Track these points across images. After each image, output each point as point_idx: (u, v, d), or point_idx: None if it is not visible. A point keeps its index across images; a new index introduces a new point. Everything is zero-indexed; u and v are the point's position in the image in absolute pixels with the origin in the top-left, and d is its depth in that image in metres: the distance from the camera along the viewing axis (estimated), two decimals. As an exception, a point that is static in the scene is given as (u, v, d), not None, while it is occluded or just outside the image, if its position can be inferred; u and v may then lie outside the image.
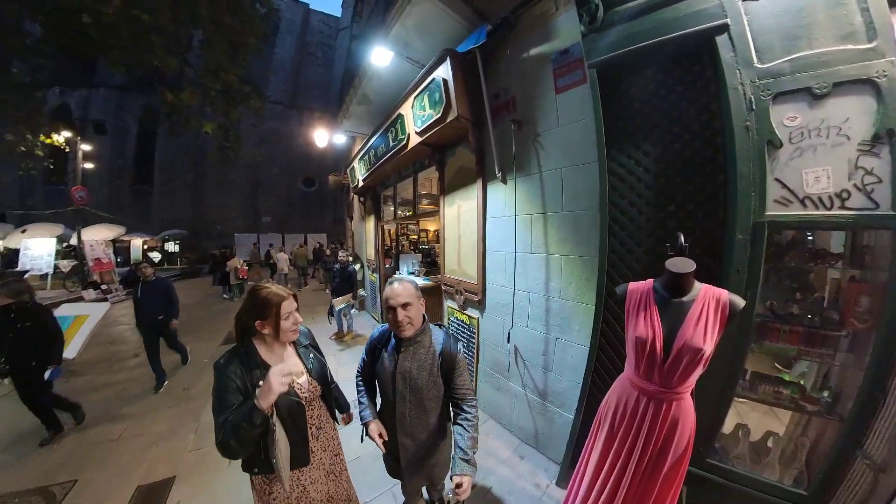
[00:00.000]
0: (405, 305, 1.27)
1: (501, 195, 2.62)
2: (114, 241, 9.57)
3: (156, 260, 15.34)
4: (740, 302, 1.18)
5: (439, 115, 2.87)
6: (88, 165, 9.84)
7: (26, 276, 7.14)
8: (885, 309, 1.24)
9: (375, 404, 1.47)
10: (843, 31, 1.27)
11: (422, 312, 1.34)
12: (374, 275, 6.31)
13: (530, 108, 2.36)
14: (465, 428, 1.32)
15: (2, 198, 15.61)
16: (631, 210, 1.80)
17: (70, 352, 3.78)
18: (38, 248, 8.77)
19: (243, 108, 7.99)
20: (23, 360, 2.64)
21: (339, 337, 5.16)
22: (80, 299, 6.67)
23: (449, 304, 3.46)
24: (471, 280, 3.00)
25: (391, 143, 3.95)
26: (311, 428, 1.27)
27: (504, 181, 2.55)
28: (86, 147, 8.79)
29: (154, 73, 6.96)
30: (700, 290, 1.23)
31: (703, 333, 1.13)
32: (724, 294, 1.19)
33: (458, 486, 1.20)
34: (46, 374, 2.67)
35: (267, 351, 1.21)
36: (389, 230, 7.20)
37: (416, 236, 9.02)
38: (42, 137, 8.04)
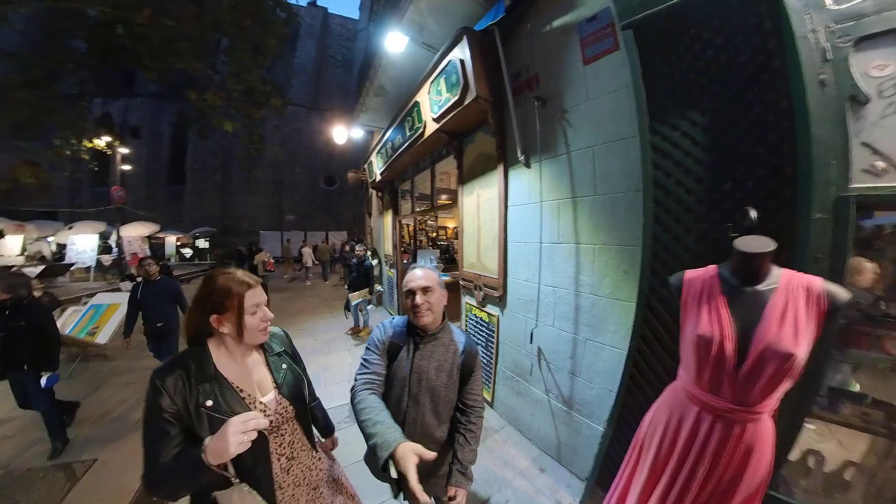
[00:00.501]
0: (425, 290, 1.14)
1: (525, 180, 2.41)
2: (149, 238, 10.21)
3: (187, 255, 16.14)
4: (841, 293, 0.91)
5: (457, 97, 2.71)
6: (127, 167, 10.49)
7: (72, 268, 7.67)
8: None
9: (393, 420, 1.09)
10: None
11: (443, 304, 1.21)
12: (392, 270, 6.23)
13: (555, 84, 2.14)
14: (467, 439, 1.23)
15: (54, 199, 16.97)
16: (678, 190, 1.55)
17: (102, 337, 4.04)
18: (82, 244, 9.42)
19: (265, 108, 8.22)
20: (15, 362, 2.36)
21: (356, 332, 5.12)
22: (118, 290, 7.06)
23: (467, 300, 3.29)
24: (491, 274, 2.81)
25: (408, 134, 3.83)
26: (279, 459, 0.97)
27: (527, 165, 2.34)
28: (124, 150, 9.35)
29: (185, 79, 7.26)
30: (781, 276, 0.96)
31: (793, 333, 0.87)
32: (817, 282, 0.92)
33: (452, 498, 1.15)
34: (43, 382, 2.41)
35: (226, 358, 0.94)
36: (407, 225, 7.12)
37: (434, 233, 8.89)
38: (85, 142, 8.68)
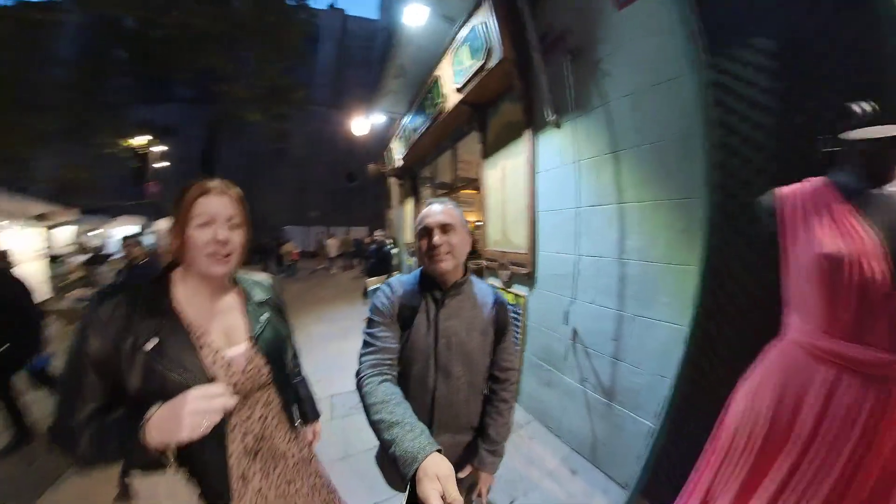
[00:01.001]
0: (445, 227, 0.91)
1: (556, 142, 2.20)
2: None
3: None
4: None
5: (481, 62, 2.56)
6: (163, 164, 11.23)
7: (111, 258, 8.20)
8: None
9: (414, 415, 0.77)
10: None
11: (467, 250, 0.96)
12: (412, 259, 6.15)
13: (587, 35, 1.93)
14: (500, 411, 1.02)
15: (102, 195, 18.49)
16: (743, 127, 1.31)
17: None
18: (121, 235, 10.02)
19: (287, 104, 8.46)
20: None
21: (377, 320, 5.07)
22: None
23: (491, 281, 3.11)
24: (518, 250, 2.61)
25: (428, 112, 3.70)
26: (242, 438, 0.72)
27: (558, 125, 2.14)
28: (159, 149, 9.96)
29: (213, 76, 7.59)
30: None
31: None
32: None
33: (473, 485, 1.01)
34: (34, 363, 2.19)
35: (190, 295, 0.72)
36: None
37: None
38: (126, 142, 9.34)
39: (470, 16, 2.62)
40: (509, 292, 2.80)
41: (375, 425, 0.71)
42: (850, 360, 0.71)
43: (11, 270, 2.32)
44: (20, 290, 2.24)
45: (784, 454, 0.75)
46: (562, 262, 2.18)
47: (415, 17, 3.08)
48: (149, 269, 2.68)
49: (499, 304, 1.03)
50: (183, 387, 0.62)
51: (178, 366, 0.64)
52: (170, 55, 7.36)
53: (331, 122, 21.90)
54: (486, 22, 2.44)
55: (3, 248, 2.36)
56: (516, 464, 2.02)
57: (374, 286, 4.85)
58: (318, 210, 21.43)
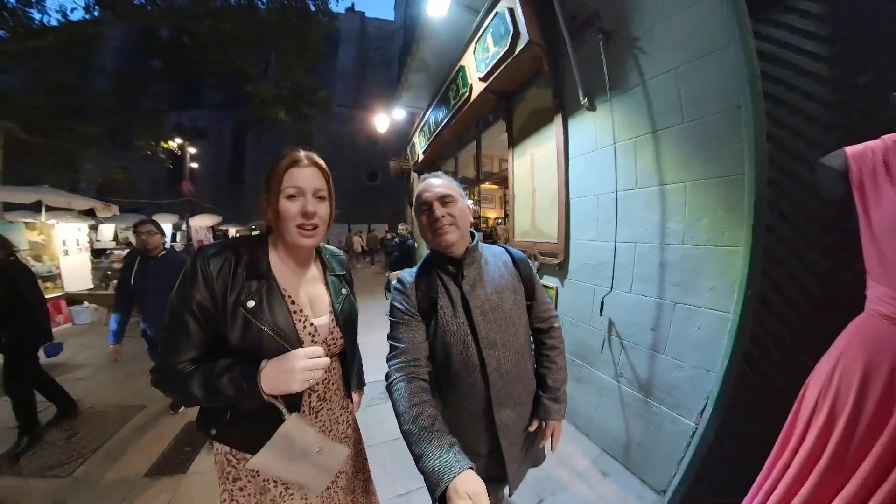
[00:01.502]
0: (444, 199, 0.87)
1: (589, 126, 2.13)
2: (213, 228, 11.49)
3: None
4: None
5: (506, 48, 2.51)
6: (195, 165, 11.93)
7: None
8: None
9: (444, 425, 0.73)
10: None
11: (469, 218, 0.92)
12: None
13: (621, 13, 1.85)
14: (553, 358, 0.99)
15: (140, 195, 19.80)
16: (792, 97, 1.23)
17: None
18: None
19: (312, 108, 8.73)
20: None
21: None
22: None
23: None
24: (549, 239, 2.56)
25: (452, 102, 3.68)
26: (309, 395, 0.80)
27: (591, 107, 2.07)
28: (192, 150, 10.62)
29: (241, 78, 7.92)
30: None
31: None
32: None
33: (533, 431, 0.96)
34: (41, 353, 2.19)
35: (280, 261, 0.78)
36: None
37: (476, 218, 8.74)
38: (162, 143, 10.00)
39: (494, 2, 2.59)
40: (537, 283, 2.75)
41: (405, 436, 0.71)
42: None
43: (14, 259, 2.24)
44: (24, 279, 2.17)
45: (882, 442, 0.66)
46: (596, 251, 2.11)
47: (437, 9, 3.07)
48: (170, 261, 2.22)
49: (518, 260, 1.00)
50: (278, 345, 0.69)
51: (275, 326, 0.70)
52: (201, 61, 7.74)
53: (352, 122, 22.37)
54: (511, 7, 2.40)
55: (4, 239, 2.24)
56: (544, 463, 1.95)
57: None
58: (340, 208, 22.18)
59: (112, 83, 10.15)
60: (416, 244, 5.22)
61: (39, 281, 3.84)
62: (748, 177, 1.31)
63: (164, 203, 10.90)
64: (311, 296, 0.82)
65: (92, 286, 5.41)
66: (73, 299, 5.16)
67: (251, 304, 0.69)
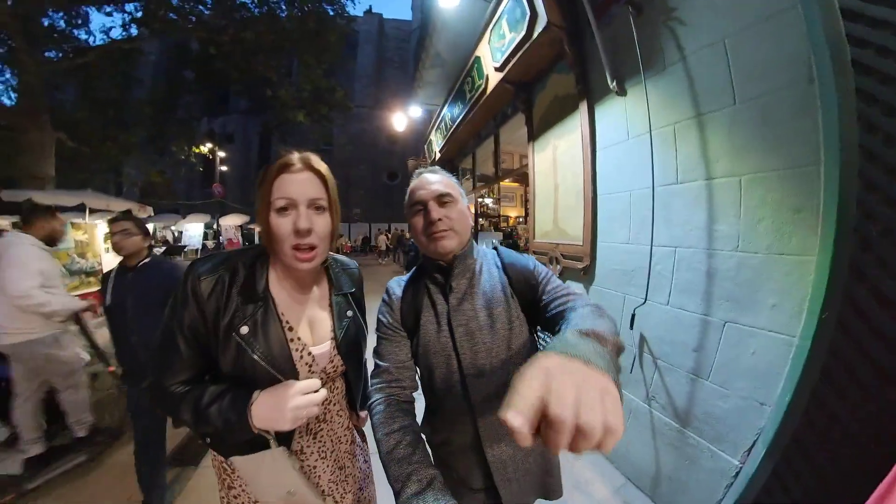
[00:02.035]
0: (442, 199, 0.74)
1: (619, 112, 1.89)
2: (241, 227, 12.22)
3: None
4: None
5: (523, 33, 2.32)
6: (224, 168, 12.74)
7: (185, 250, 9.42)
8: None
9: (426, 455, 0.66)
10: None
11: (469, 222, 0.80)
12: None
13: None
14: (588, 313, 0.60)
15: (177, 196, 21.33)
16: (885, 64, 0.97)
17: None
18: (192, 231, 11.67)
19: (330, 107, 8.94)
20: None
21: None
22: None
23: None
24: (573, 241, 2.33)
25: (468, 96, 3.52)
26: (307, 420, 0.71)
27: (621, 91, 1.83)
28: (222, 154, 11.26)
29: (264, 84, 8.22)
30: None
31: None
32: None
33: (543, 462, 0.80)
34: None
35: (280, 279, 0.70)
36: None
37: (495, 217, 8.55)
38: (195, 148, 10.64)
39: (510, -16, 2.40)
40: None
41: (383, 466, 0.64)
42: None
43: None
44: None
45: None
46: (628, 255, 1.87)
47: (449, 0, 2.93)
48: (154, 272, 1.60)
49: (508, 264, 0.81)
50: (271, 376, 0.64)
51: (269, 355, 0.65)
52: (227, 69, 8.14)
53: (372, 123, 22.75)
54: (527, -12, 2.20)
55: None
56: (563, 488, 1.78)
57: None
58: (360, 207, 22.80)
59: (149, 94, 10.87)
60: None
61: (84, 276, 4.08)
62: (826, 167, 1.07)
63: (197, 203, 11.62)
64: (311, 320, 0.74)
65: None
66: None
67: (244, 329, 0.63)
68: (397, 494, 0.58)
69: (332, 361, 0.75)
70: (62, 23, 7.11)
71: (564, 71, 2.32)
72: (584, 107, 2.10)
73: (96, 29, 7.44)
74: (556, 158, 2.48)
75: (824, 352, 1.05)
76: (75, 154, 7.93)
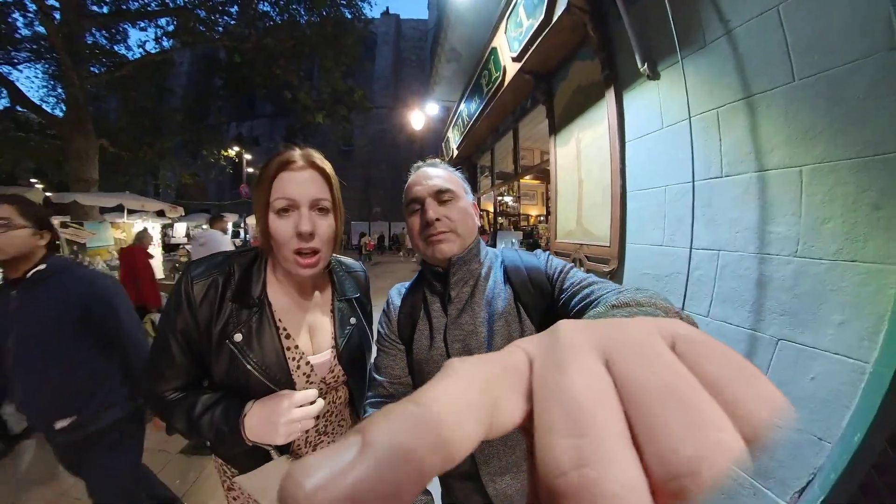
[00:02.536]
0: (441, 195, 0.64)
1: (651, 98, 1.70)
2: None
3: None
4: None
5: (542, 17, 2.17)
6: (251, 170, 13.48)
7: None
8: None
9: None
10: None
11: (475, 222, 0.69)
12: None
13: None
14: (626, 291, 0.46)
15: (209, 197, 22.53)
16: None
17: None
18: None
19: (349, 108, 9.12)
20: None
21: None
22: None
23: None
24: (599, 242, 2.16)
25: (485, 89, 3.39)
26: (308, 431, 0.69)
27: (654, 75, 1.65)
28: (248, 157, 11.84)
29: (286, 89, 8.49)
30: None
31: None
32: None
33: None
34: None
35: (279, 283, 0.66)
36: (487, 213, 6.70)
37: (515, 216, 8.35)
38: (224, 152, 11.17)
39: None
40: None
41: None
42: None
43: None
44: None
45: None
46: (662, 258, 1.69)
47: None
48: (53, 290, 0.98)
49: (510, 268, 0.68)
50: (266, 387, 0.61)
51: (263, 365, 0.61)
52: (251, 76, 8.52)
53: (391, 123, 22.97)
54: (546, -31, 2.05)
55: None
56: None
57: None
58: (379, 206, 23.26)
59: (181, 103, 11.54)
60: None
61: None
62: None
63: (227, 204, 12.25)
64: (312, 326, 0.70)
65: (163, 276, 6.22)
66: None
67: (238, 337, 0.60)
68: None
69: (333, 371, 0.70)
70: (104, 40, 7.71)
71: (588, 57, 2.14)
72: (610, 94, 1.92)
73: (133, 44, 7.98)
74: (580, 152, 2.31)
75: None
76: (116, 159, 8.60)
